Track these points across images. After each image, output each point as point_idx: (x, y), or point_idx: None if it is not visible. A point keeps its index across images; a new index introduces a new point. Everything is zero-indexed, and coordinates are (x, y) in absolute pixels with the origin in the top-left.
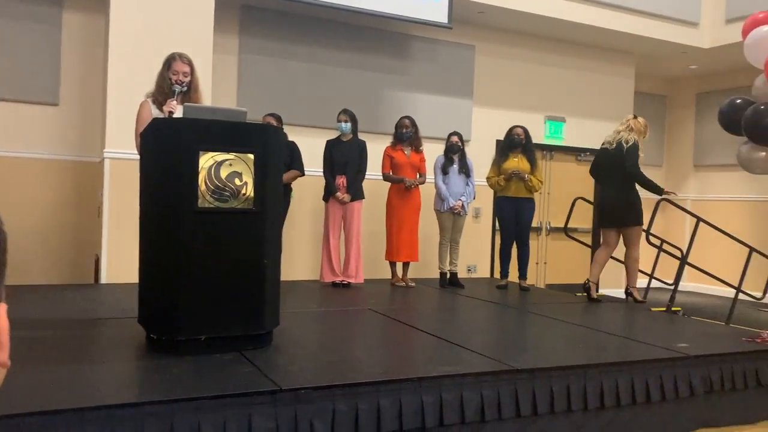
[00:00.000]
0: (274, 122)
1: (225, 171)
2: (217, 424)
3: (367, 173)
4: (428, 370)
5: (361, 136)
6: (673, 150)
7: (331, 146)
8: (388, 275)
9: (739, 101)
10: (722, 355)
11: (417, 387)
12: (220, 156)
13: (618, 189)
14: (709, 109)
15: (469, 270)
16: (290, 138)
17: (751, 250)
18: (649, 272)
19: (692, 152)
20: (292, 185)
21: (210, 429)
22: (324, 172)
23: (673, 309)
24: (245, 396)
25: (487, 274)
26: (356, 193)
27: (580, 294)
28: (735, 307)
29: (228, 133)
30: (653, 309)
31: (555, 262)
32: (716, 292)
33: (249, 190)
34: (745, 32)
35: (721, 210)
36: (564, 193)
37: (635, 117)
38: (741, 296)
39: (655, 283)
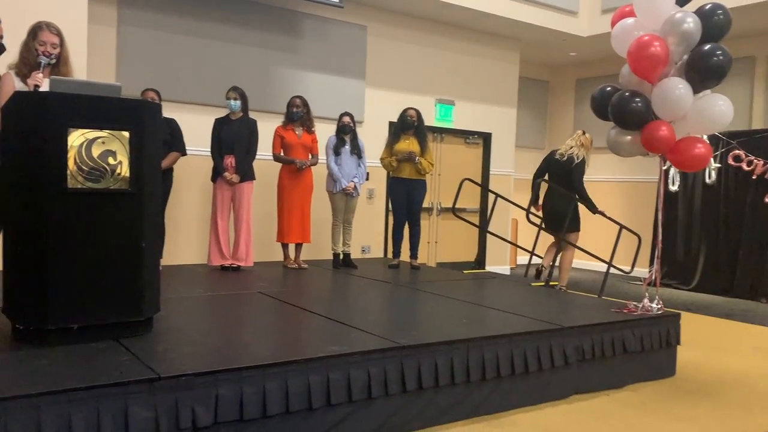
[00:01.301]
0: (156, 98)
1: (97, 149)
2: (90, 417)
3: (258, 153)
4: (316, 351)
5: (251, 115)
6: (554, 133)
7: (219, 125)
8: (280, 257)
9: (608, 89)
10: (593, 325)
11: (304, 368)
12: (91, 133)
13: (561, 198)
14: (588, 94)
15: (363, 250)
16: (174, 115)
17: (621, 227)
18: (530, 250)
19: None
20: (173, 165)
21: (82, 422)
22: (212, 151)
23: (551, 284)
24: (120, 385)
25: (381, 255)
26: (246, 174)
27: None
28: (607, 280)
29: (100, 108)
30: (533, 284)
31: (445, 241)
32: (592, 267)
33: (124, 170)
34: (614, 24)
35: (597, 190)
36: (454, 174)
37: (584, 133)
38: (613, 270)
39: (536, 260)
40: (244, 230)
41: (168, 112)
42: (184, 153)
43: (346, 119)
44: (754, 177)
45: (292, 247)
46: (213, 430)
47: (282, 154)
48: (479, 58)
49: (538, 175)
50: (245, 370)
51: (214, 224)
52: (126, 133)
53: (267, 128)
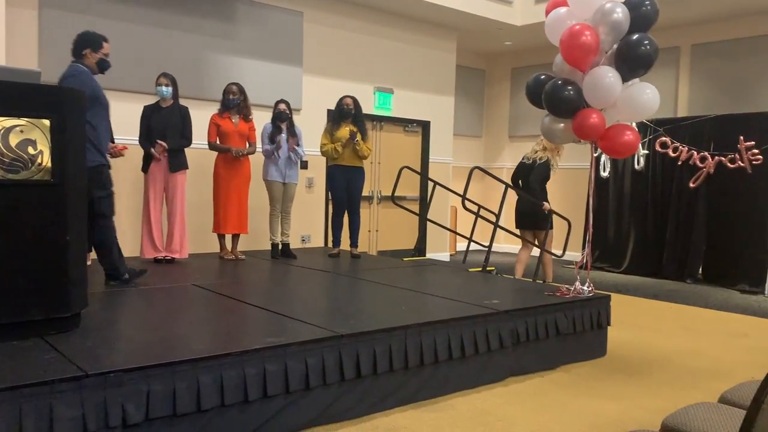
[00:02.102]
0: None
1: (15, 138)
2: (12, 418)
3: (192, 142)
4: (251, 343)
5: (184, 103)
6: (491, 122)
7: (149, 112)
8: (217, 249)
9: (542, 77)
10: (527, 309)
11: (239, 361)
12: (8, 121)
13: (524, 200)
14: (523, 83)
15: (303, 240)
16: None
17: (551, 213)
18: (468, 236)
19: (507, 124)
20: None
21: (2, 425)
22: (140, 140)
23: (487, 269)
24: (44, 384)
25: (321, 244)
26: (179, 163)
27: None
28: (540, 264)
29: (17, 96)
30: (470, 270)
31: (386, 229)
32: None
33: (45, 160)
34: (548, 13)
35: None
36: (393, 162)
37: None
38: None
39: (474, 246)
40: (178, 221)
41: None
42: (112, 141)
43: (282, 106)
44: (679, 163)
45: (228, 238)
46: (145, 427)
47: (218, 142)
48: (417, 47)
49: (512, 179)
50: (178, 364)
51: (146, 216)
52: (46, 122)
53: (201, 116)
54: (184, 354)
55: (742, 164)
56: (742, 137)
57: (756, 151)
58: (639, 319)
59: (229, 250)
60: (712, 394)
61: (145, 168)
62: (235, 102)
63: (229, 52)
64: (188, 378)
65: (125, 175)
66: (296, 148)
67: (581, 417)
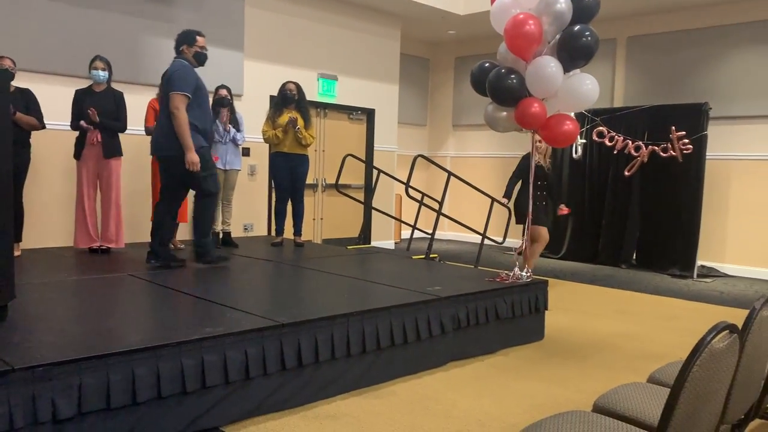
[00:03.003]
0: (12, 65)
1: None
2: None
3: (127, 128)
4: (189, 334)
5: (118, 87)
6: (435, 111)
7: (81, 96)
8: None
9: (486, 65)
10: (468, 294)
11: (176, 352)
12: None
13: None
14: (466, 72)
15: (246, 229)
16: (30, 86)
17: (493, 200)
18: (412, 224)
19: (451, 113)
20: (31, 140)
21: None
22: (72, 124)
23: (431, 256)
24: None
25: (264, 233)
26: (113, 149)
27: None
28: (482, 251)
29: None
30: (414, 257)
31: (330, 217)
32: (470, 239)
33: None
34: (493, 2)
35: (475, 166)
36: (338, 150)
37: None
38: (487, 242)
39: (418, 234)
40: (114, 210)
41: (23, 81)
42: (42, 126)
43: (223, 92)
44: (615, 152)
45: None
46: (77, 421)
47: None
48: (361, 34)
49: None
50: (111, 356)
51: (80, 204)
52: None
53: (136, 101)
54: (119, 346)
55: (673, 153)
56: (673, 127)
57: (687, 140)
58: (576, 304)
59: None
60: (643, 374)
61: (78, 154)
62: None
63: (167, 35)
64: (122, 370)
65: (56, 161)
66: (231, 128)
67: (519, 399)
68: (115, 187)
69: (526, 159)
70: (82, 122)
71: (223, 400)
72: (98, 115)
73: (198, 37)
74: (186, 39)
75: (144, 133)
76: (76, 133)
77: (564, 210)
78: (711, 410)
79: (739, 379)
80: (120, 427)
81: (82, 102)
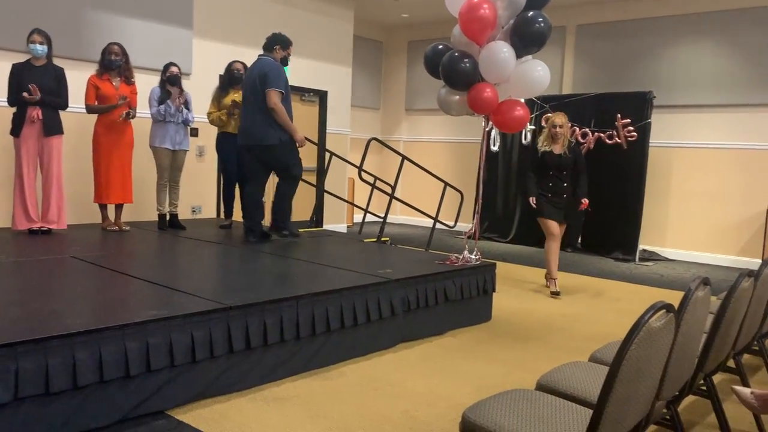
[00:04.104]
0: None
1: None
2: None
3: (69, 105)
4: (133, 317)
5: (58, 62)
6: (388, 94)
7: (19, 71)
8: (98, 219)
9: (440, 47)
10: (418, 277)
11: (120, 335)
12: None
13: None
14: (420, 57)
15: (194, 211)
16: None
17: (446, 184)
18: (365, 207)
19: (404, 97)
20: None
21: None
22: (9, 100)
23: (382, 239)
24: None
25: (213, 215)
26: (54, 126)
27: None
28: (433, 234)
29: None
30: (365, 240)
31: None
32: (423, 223)
33: None
34: None
35: (428, 150)
36: None
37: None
38: (439, 225)
39: (370, 218)
40: (55, 190)
41: None
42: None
43: (174, 69)
44: None
45: (111, 208)
46: (14, 406)
47: (97, 105)
48: (314, 14)
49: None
50: (50, 340)
51: (19, 184)
52: None
53: (77, 78)
54: (58, 329)
55: (618, 140)
56: (619, 115)
57: (631, 128)
58: (523, 286)
59: (112, 220)
60: (586, 354)
61: (16, 131)
62: (116, 63)
63: (110, 10)
64: (62, 354)
65: None
66: (183, 108)
67: (466, 379)
68: (56, 166)
69: (534, 154)
70: (25, 94)
71: (169, 384)
72: (39, 91)
73: (290, 47)
74: (282, 42)
75: (85, 111)
76: (14, 109)
77: (584, 204)
78: (648, 387)
79: (675, 357)
80: (60, 412)
81: (20, 76)
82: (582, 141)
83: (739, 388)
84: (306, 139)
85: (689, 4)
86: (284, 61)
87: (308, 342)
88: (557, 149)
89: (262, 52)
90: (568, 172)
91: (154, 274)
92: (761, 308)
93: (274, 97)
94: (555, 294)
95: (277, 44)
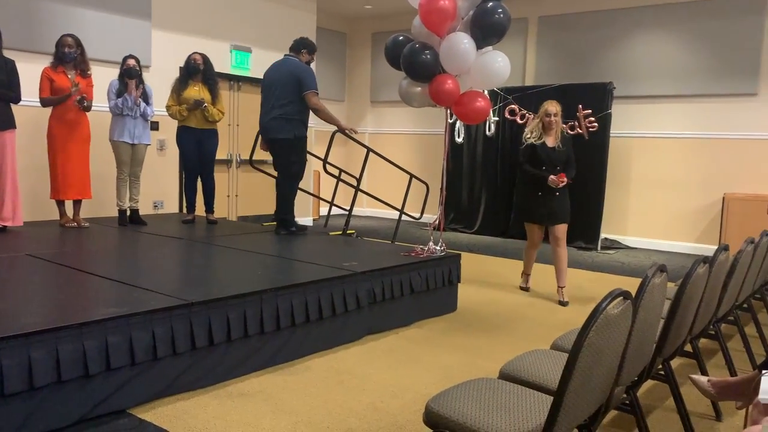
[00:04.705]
0: None
1: None
2: None
3: (21, 99)
4: (91, 315)
5: (9, 55)
6: (353, 87)
7: None
8: (56, 216)
9: (401, 38)
10: (384, 269)
11: (78, 334)
12: None
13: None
14: (384, 49)
15: (156, 206)
16: None
17: (411, 176)
18: (331, 201)
19: (369, 89)
20: None
21: None
22: None
23: (348, 232)
24: None
25: (176, 210)
26: (6, 121)
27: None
28: (399, 226)
29: None
30: (331, 233)
31: (246, 194)
32: (388, 215)
33: None
34: None
35: (394, 142)
36: (252, 125)
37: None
38: (405, 217)
39: (336, 211)
40: (9, 186)
41: None
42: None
43: (131, 62)
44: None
45: (69, 204)
46: None
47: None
48: (276, 5)
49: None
50: (5, 340)
51: None
52: None
53: (30, 70)
54: (13, 329)
55: (580, 131)
56: (580, 106)
57: (593, 118)
58: (487, 276)
59: (71, 217)
60: (548, 342)
61: None
62: (71, 56)
63: (64, 1)
64: (17, 354)
65: None
66: (142, 101)
67: (432, 369)
68: (10, 162)
69: (525, 147)
70: None
71: (130, 382)
72: None
73: (315, 53)
74: (309, 47)
75: (40, 104)
76: None
77: (563, 176)
78: (607, 373)
79: (633, 343)
80: (16, 413)
81: None
82: (570, 132)
83: (696, 376)
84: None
85: None
86: (309, 65)
87: (273, 337)
88: (550, 141)
89: (288, 52)
90: (562, 167)
91: (115, 271)
92: (716, 293)
93: (313, 98)
94: (524, 289)
95: (305, 48)
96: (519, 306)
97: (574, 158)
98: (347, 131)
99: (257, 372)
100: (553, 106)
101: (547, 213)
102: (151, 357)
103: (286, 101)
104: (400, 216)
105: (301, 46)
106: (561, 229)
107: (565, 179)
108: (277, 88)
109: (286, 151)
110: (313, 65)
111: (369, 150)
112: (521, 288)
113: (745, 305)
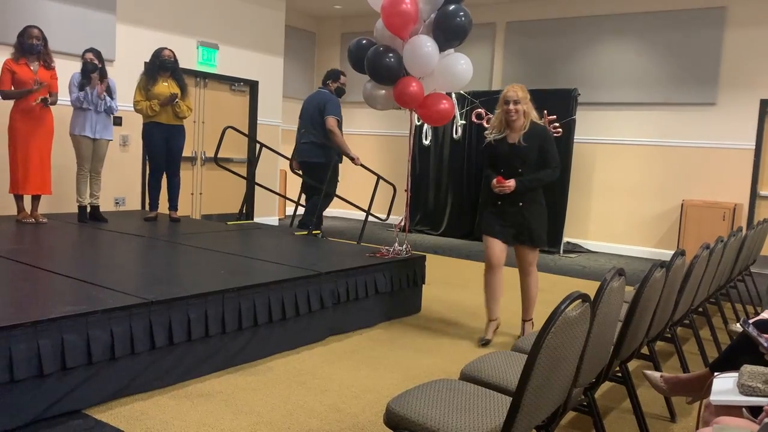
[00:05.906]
0: None
1: None
2: None
3: None
4: (46, 313)
5: None
6: None
7: None
8: (14, 211)
9: (364, 42)
10: (348, 270)
11: (32, 332)
12: None
13: None
14: None
15: (117, 203)
16: None
17: (379, 177)
18: (297, 200)
19: None
20: None
21: None
22: None
23: (313, 232)
24: None
25: (138, 207)
26: None
27: None
28: (365, 227)
29: None
30: (296, 233)
31: (210, 192)
32: (355, 216)
33: None
34: None
35: (361, 143)
36: (218, 122)
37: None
38: (371, 219)
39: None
40: None
41: None
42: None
43: (89, 56)
44: None
45: (28, 199)
46: None
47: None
48: (244, 2)
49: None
50: None
51: None
52: None
53: None
54: None
55: None
56: (545, 111)
57: (557, 124)
58: (452, 278)
59: (29, 212)
60: (511, 343)
61: None
62: (37, 48)
63: None
64: None
65: None
66: (106, 96)
67: (394, 370)
68: None
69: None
70: None
71: (87, 382)
72: None
73: (342, 76)
74: (333, 76)
75: (0, 97)
76: None
77: (504, 182)
78: (565, 374)
79: (591, 345)
80: None
81: None
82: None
83: (649, 372)
84: (233, 128)
85: (611, 4)
86: (339, 91)
87: (234, 337)
88: (513, 137)
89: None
90: (525, 169)
91: (73, 269)
92: (672, 297)
93: (332, 122)
94: (484, 342)
95: (329, 79)
96: (482, 308)
97: (553, 157)
98: (355, 161)
99: (218, 372)
100: (512, 91)
101: (511, 230)
102: (109, 356)
103: (314, 128)
104: (366, 217)
105: (326, 78)
106: (529, 254)
107: (509, 184)
108: (308, 117)
109: (317, 174)
110: (343, 79)
111: (337, 150)
112: (480, 341)
113: (700, 309)
